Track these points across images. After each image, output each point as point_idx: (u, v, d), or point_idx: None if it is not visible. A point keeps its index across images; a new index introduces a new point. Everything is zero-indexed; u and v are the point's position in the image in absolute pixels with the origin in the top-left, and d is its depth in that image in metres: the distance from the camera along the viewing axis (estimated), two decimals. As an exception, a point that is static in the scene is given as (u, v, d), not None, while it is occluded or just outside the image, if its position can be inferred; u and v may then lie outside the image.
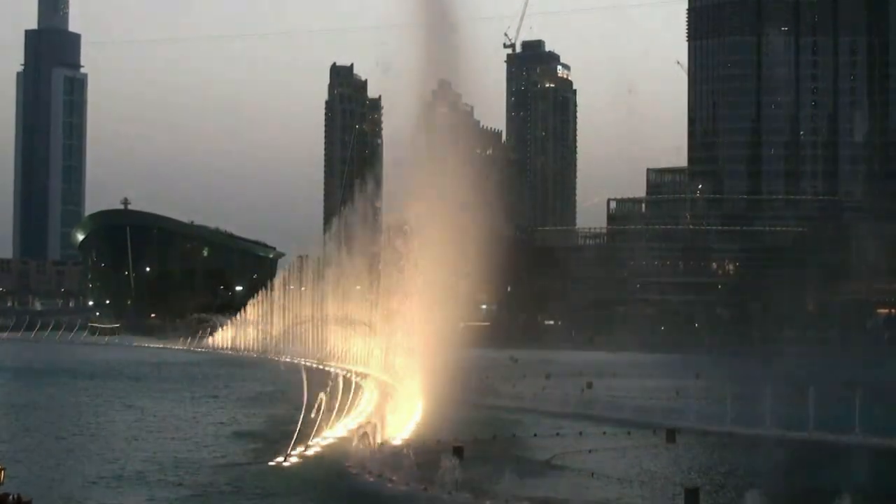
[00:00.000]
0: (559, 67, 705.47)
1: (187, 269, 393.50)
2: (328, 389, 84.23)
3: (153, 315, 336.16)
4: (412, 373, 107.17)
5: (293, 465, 69.56)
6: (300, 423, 77.76)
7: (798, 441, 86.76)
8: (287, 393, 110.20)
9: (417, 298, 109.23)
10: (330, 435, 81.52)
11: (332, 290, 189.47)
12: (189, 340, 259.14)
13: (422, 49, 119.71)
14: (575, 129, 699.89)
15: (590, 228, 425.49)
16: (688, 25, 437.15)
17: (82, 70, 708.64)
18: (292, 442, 74.35)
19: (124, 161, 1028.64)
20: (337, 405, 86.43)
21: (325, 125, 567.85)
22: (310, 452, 74.21)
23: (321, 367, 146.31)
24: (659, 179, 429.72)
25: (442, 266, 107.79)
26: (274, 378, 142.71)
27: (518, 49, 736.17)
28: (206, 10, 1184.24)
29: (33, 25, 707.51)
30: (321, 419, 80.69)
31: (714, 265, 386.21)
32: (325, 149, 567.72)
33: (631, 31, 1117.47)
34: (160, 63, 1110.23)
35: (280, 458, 71.16)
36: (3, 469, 41.05)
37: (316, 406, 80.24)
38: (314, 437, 78.26)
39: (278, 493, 61.66)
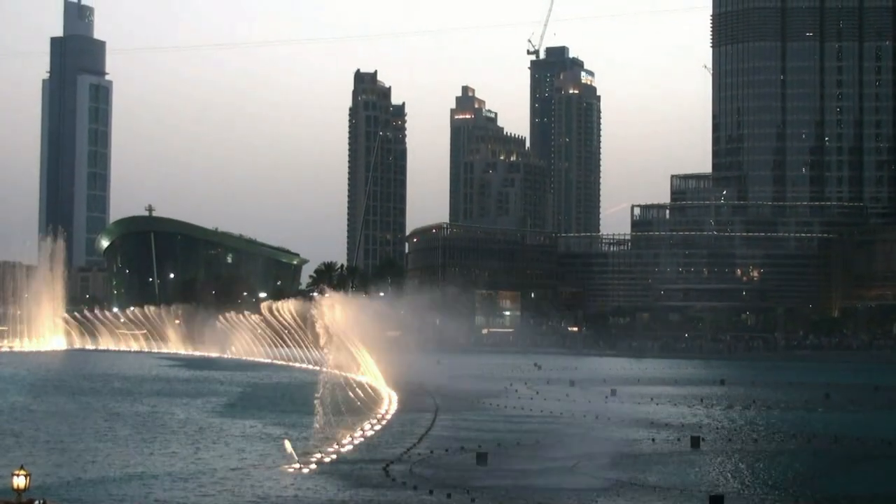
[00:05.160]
0: (583, 74, 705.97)
1: (211, 276, 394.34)
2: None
3: (178, 321, 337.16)
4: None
5: (315, 472, 69.35)
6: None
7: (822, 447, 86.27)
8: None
9: None
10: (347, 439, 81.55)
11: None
12: None
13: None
14: (599, 136, 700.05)
15: (613, 235, 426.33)
16: (712, 32, 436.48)
17: (107, 77, 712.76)
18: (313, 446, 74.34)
19: (149, 168, 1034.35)
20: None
21: (349, 132, 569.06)
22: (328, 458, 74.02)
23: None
24: (683, 185, 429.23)
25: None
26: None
27: (542, 55, 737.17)
28: (231, 17, 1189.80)
29: (59, 33, 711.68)
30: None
31: (738, 271, 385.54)
32: (349, 155, 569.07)
33: (654, 37, 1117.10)
34: (185, 70, 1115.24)
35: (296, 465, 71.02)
36: (29, 475, 41.08)
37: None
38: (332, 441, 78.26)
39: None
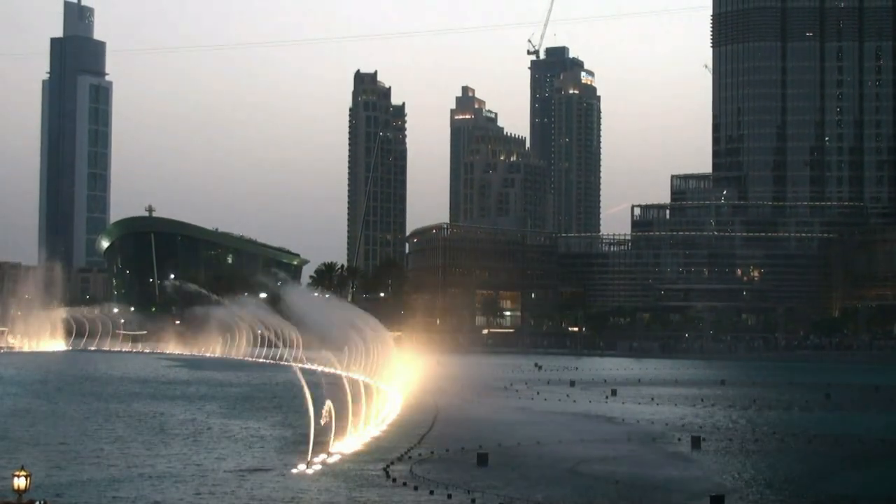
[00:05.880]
0: (583, 74, 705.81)
1: (211, 276, 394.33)
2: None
3: (178, 322, 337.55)
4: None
5: (316, 473, 69.28)
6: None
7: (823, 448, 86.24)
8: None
9: None
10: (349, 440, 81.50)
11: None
12: None
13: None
14: (599, 136, 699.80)
15: (614, 235, 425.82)
16: (712, 32, 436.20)
17: (107, 78, 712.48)
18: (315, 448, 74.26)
19: (149, 168, 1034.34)
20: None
21: (349, 132, 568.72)
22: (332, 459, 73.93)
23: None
24: (683, 186, 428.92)
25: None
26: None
27: (542, 56, 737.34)
28: (231, 18, 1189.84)
29: (59, 34, 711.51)
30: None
31: (739, 272, 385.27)
32: (349, 155, 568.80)
33: (655, 37, 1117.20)
34: (185, 71, 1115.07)
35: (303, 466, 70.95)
36: (29, 475, 41.07)
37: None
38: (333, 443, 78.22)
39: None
